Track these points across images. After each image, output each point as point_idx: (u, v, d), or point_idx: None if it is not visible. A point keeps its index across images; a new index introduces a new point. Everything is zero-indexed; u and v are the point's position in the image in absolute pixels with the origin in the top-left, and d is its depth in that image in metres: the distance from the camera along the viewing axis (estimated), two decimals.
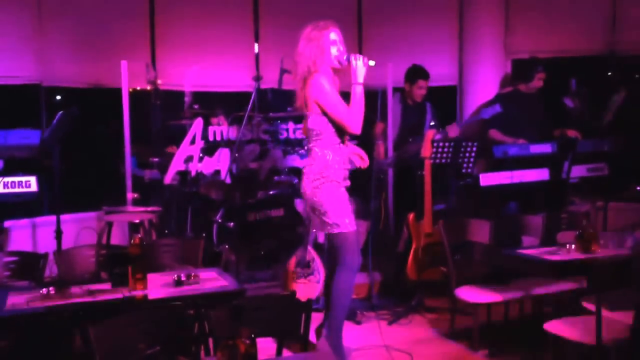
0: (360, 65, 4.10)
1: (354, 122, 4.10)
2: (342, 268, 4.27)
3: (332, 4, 7.67)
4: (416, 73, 6.50)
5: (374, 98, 6.53)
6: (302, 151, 6.44)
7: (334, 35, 4.17)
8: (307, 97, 4.16)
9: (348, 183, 4.28)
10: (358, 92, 4.11)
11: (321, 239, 5.52)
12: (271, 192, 6.33)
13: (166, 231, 6.22)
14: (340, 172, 4.20)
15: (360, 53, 7.63)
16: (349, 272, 4.27)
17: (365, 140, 6.46)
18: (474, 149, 5.68)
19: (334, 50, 4.15)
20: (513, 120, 6.45)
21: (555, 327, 3.77)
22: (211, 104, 7.26)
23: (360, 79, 4.11)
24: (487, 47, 7.52)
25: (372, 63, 4.12)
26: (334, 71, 4.20)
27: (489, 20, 7.53)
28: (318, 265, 5.38)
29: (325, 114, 4.13)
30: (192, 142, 6.37)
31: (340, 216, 4.17)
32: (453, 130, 6.17)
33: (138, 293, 3.33)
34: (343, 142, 4.23)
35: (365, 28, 7.87)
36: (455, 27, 7.74)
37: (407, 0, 7.80)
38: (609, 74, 7.65)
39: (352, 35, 7.80)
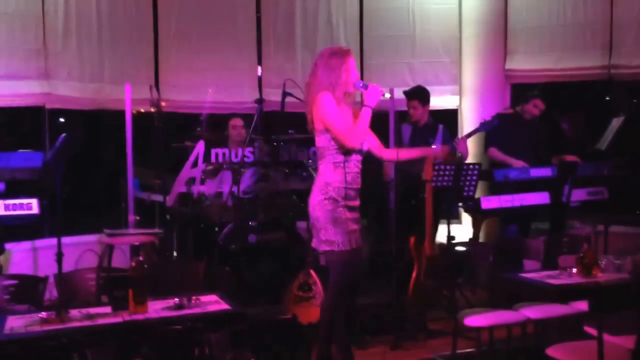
0: (375, 92, 4.25)
1: (353, 138, 4.20)
2: (330, 286, 4.35)
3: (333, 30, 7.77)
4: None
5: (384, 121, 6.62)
6: (304, 173, 6.44)
7: (351, 62, 4.31)
8: (313, 116, 4.29)
9: (353, 203, 4.30)
10: (365, 113, 4.23)
11: (323, 261, 5.52)
12: (273, 215, 6.32)
13: (167, 254, 6.21)
14: (341, 191, 4.23)
15: (362, 79, 7.75)
16: (334, 291, 4.33)
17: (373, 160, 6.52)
18: (476, 172, 5.68)
19: (350, 77, 4.28)
20: (512, 142, 6.47)
21: (557, 351, 3.75)
22: (213, 126, 7.29)
23: (371, 103, 4.24)
24: (487, 72, 7.58)
25: (387, 95, 4.30)
26: (345, 95, 4.31)
27: (489, 45, 7.59)
28: (320, 288, 5.37)
29: (327, 130, 4.23)
30: (195, 164, 6.38)
31: (335, 234, 4.22)
32: (461, 144, 6.18)
33: (138, 317, 3.31)
34: (347, 159, 4.26)
35: (366, 56, 7.93)
36: (455, 51, 7.79)
37: (409, 28, 7.85)
38: (607, 98, 7.69)
39: (355, 60, 7.81)
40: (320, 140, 4.29)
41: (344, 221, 4.24)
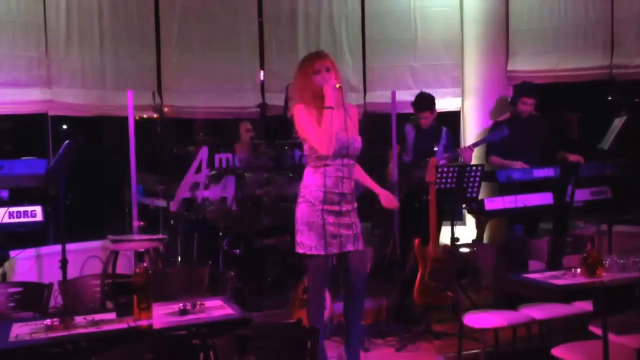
0: (329, 90, 4.19)
1: (321, 143, 4.18)
2: (308, 289, 4.41)
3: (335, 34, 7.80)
4: (414, 105, 6.55)
5: (386, 123, 6.62)
6: None
7: (318, 65, 4.27)
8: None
9: (336, 207, 4.25)
10: (325, 115, 4.18)
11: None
12: (277, 219, 6.33)
13: (172, 259, 6.22)
14: (318, 194, 4.23)
15: (364, 81, 7.78)
16: (311, 294, 4.37)
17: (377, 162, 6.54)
18: (479, 173, 5.68)
19: (317, 79, 4.25)
20: (515, 144, 6.46)
21: (562, 352, 3.75)
22: (217, 131, 7.30)
23: (330, 103, 4.18)
24: (489, 74, 7.59)
25: (337, 86, 4.22)
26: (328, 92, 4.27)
27: (490, 47, 7.60)
28: (325, 292, 5.36)
29: (305, 140, 4.32)
30: (198, 169, 6.39)
31: (308, 238, 4.23)
32: (466, 153, 6.17)
33: (143, 323, 3.31)
34: (327, 164, 4.25)
35: (368, 60, 7.94)
36: (457, 53, 7.80)
37: (410, 31, 7.86)
38: (609, 98, 7.69)
39: (357, 64, 7.87)
40: (304, 148, 4.37)
41: (320, 225, 4.22)
